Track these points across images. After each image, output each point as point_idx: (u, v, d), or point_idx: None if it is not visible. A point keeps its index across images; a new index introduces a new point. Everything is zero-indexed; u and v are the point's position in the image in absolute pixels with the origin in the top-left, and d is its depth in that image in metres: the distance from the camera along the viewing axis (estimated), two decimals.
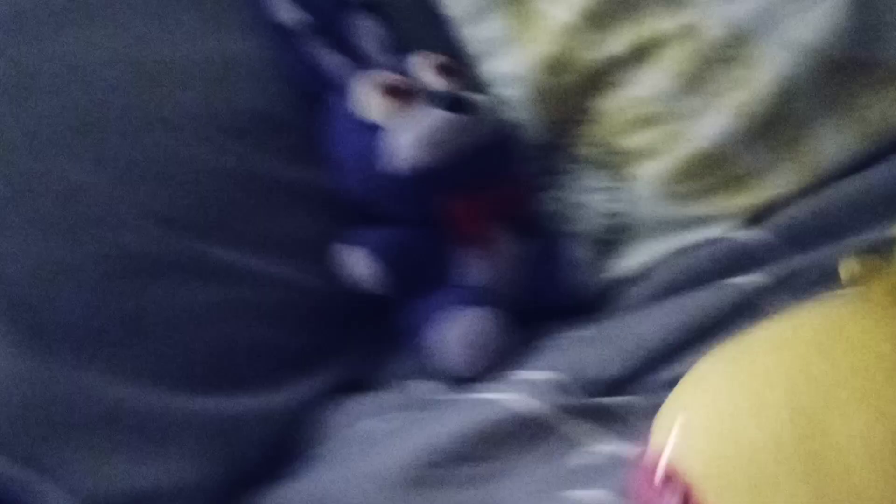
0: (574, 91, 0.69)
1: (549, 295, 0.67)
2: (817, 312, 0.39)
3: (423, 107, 0.62)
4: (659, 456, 0.36)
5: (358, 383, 0.67)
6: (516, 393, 0.54)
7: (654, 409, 0.52)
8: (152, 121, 0.63)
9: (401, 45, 0.69)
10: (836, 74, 0.68)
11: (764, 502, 0.34)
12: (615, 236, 0.69)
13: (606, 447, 0.51)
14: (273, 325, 0.64)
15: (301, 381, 0.64)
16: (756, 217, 0.67)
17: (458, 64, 0.67)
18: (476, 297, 0.62)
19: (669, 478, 0.36)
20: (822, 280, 0.58)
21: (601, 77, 0.69)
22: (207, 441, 0.58)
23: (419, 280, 0.64)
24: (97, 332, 0.58)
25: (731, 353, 0.39)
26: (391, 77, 0.63)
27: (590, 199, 0.70)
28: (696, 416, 0.37)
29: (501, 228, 0.66)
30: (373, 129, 0.63)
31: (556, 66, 0.69)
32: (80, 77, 0.62)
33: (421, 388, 0.62)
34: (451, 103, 0.61)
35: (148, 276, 0.61)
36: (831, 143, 0.68)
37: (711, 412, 0.36)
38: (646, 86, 0.69)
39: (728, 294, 0.60)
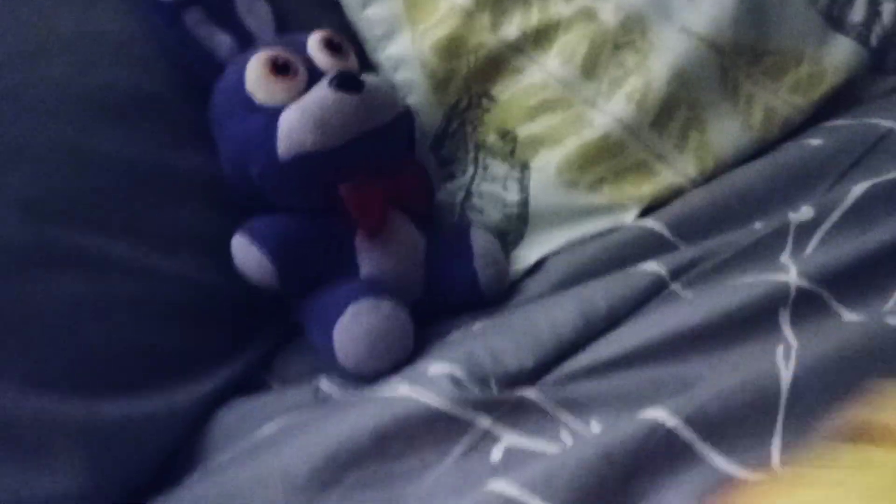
0: (471, 75, 0.68)
1: (451, 288, 0.64)
2: None
3: (311, 85, 0.59)
4: None
5: (258, 383, 0.63)
6: (421, 388, 0.51)
7: (562, 400, 0.52)
8: (13, 95, 0.57)
9: (291, 25, 0.66)
10: (728, 62, 0.69)
11: None
12: (515, 227, 0.68)
13: (514, 440, 0.50)
14: (163, 323, 0.60)
15: (194, 382, 0.61)
16: (652, 207, 0.67)
17: (348, 41, 0.64)
18: (374, 290, 0.59)
19: None
20: (716, 270, 0.59)
21: (499, 61, 0.68)
22: (95, 447, 0.54)
23: (312, 272, 0.60)
24: None
25: None
26: (277, 54, 0.60)
27: (490, 188, 0.68)
28: None
29: (400, 217, 0.63)
30: (259, 110, 0.59)
31: (451, 49, 0.67)
32: None
33: (325, 386, 0.59)
34: (341, 82, 0.57)
35: (16, 269, 0.56)
36: (724, 131, 0.69)
37: None
38: (544, 71, 0.68)
39: (633, 280, 0.59)
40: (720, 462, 0.45)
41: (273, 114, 0.58)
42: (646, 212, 0.67)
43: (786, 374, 0.48)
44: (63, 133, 0.59)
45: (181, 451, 0.58)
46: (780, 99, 0.70)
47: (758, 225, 0.62)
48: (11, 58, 0.59)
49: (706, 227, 0.63)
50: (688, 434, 0.46)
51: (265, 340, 0.65)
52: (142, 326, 0.60)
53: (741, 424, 0.46)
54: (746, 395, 0.48)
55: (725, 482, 0.45)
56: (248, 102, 0.59)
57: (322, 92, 0.58)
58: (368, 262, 0.61)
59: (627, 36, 0.67)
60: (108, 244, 0.59)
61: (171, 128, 0.63)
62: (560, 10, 0.68)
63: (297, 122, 0.57)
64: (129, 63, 0.62)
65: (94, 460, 0.54)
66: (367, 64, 0.69)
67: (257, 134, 0.59)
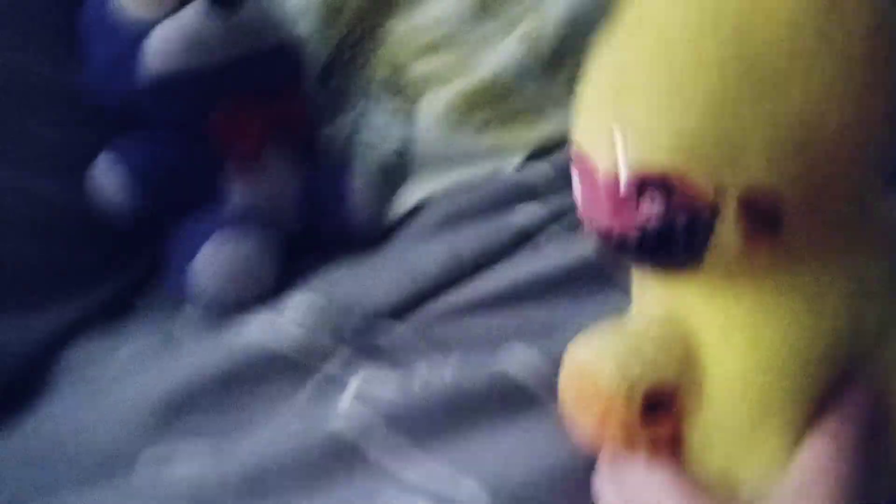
0: (362, 8, 0.66)
1: (324, 226, 0.63)
2: None
3: (185, 3, 0.56)
4: (612, 169, 0.32)
5: (116, 313, 0.61)
6: (275, 327, 0.50)
7: (427, 340, 0.51)
8: None
9: None
10: None
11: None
12: (399, 168, 0.66)
13: (366, 378, 0.48)
14: (33, 242, 0.58)
15: (41, 310, 0.58)
16: (540, 152, 0.66)
17: None
18: (239, 221, 0.57)
19: (638, 181, 0.32)
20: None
21: None
22: None
23: (175, 197, 0.58)
24: None
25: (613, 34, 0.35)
26: None
27: (376, 126, 0.66)
28: (632, 98, 0.32)
29: (275, 147, 0.61)
30: (129, 25, 0.56)
31: None
32: None
33: (182, 319, 0.57)
34: (215, 0, 0.55)
35: None
36: None
37: (641, 79, 0.32)
38: (435, 10, 0.66)
39: (504, 227, 0.58)
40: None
41: (144, 28, 0.55)
42: (531, 157, 0.66)
43: None
44: None
45: (16, 393, 0.54)
46: None
47: None
48: None
49: None
50: (533, 384, 0.45)
51: (137, 266, 0.63)
52: (7, 243, 0.56)
53: None
54: None
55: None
56: (115, 18, 0.57)
57: (194, 10, 0.55)
58: (238, 193, 0.59)
59: None
60: None
61: (44, 40, 0.60)
62: None
63: (167, 38, 0.55)
64: None
65: None
66: None
67: (126, 48, 0.56)
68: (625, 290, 0.51)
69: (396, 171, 0.66)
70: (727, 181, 0.31)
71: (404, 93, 0.66)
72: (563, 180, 0.63)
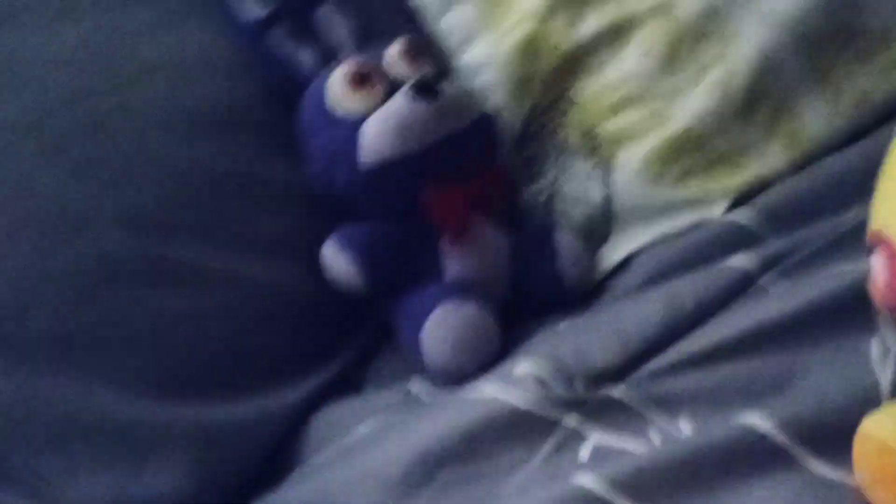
0: (550, 76, 0.68)
1: (536, 288, 0.64)
2: None
3: (390, 95, 0.60)
4: None
5: (351, 385, 0.65)
6: (508, 388, 0.52)
7: (649, 397, 0.51)
8: (114, 118, 0.61)
9: (371, 38, 0.68)
10: (815, 46, 0.66)
11: None
12: (601, 225, 0.67)
13: (602, 438, 0.49)
14: (256, 330, 0.63)
15: (291, 385, 0.63)
16: (742, 198, 0.65)
17: (427, 47, 0.65)
18: (460, 292, 0.60)
19: None
20: (807, 262, 0.57)
21: (577, 60, 0.68)
22: (194, 450, 0.57)
23: (399, 277, 0.62)
24: (73, 341, 0.57)
25: None
26: (357, 64, 0.62)
27: (574, 187, 0.68)
28: None
29: (484, 220, 0.64)
30: (343, 121, 0.61)
31: (530, 50, 0.68)
32: (32, 76, 0.61)
33: (416, 388, 0.60)
34: (420, 88, 0.59)
35: (123, 282, 0.59)
36: (814, 118, 0.67)
37: None
38: (623, 67, 0.67)
39: (720, 276, 0.58)
40: (818, 466, 0.44)
41: (355, 125, 0.60)
42: (734, 205, 0.65)
43: (885, 375, 0.47)
44: (162, 150, 0.62)
45: (279, 454, 0.60)
46: (872, 82, 0.67)
47: (852, 213, 0.60)
48: (115, 82, 0.63)
49: (797, 218, 0.61)
50: (782, 439, 0.44)
51: (358, 344, 0.67)
52: (240, 333, 0.62)
53: (839, 429, 0.44)
54: (845, 399, 0.46)
55: (824, 486, 0.43)
56: (330, 116, 0.62)
57: (400, 100, 0.59)
58: (454, 265, 0.62)
59: (707, 26, 0.66)
60: (207, 255, 0.62)
61: (263, 140, 0.65)
62: (635, 5, 0.67)
63: (377, 131, 0.59)
64: (221, 80, 0.65)
65: (194, 463, 0.57)
66: (446, 72, 0.70)
67: (340, 145, 0.61)
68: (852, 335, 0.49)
69: (598, 229, 0.67)
70: None
71: (599, 152, 0.68)
72: (770, 225, 0.62)
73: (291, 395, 0.62)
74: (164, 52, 0.64)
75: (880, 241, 0.35)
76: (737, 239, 0.61)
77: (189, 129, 0.63)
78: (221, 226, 0.63)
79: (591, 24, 0.67)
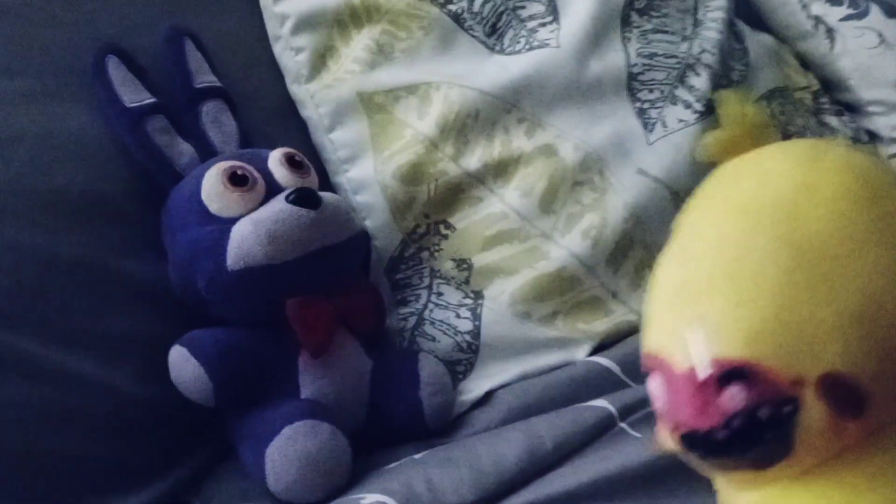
0: (430, 203, 0.68)
1: (395, 414, 0.62)
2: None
3: (267, 199, 0.58)
4: (692, 364, 0.34)
5: None
6: None
7: None
8: None
9: (255, 142, 0.67)
10: (684, 204, 0.69)
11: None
12: (465, 356, 0.66)
13: None
14: (92, 435, 0.58)
15: (120, 498, 0.58)
16: (605, 344, 0.66)
17: (308, 159, 0.64)
18: (314, 412, 0.56)
19: (718, 372, 0.33)
20: None
21: (459, 190, 0.68)
22: None
23: (251, 390, 0.58)
24: None
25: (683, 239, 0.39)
26: (235, 164, 0.60)
27: (443, 315, 0.67)
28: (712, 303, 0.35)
29: (348, 338, 0.61)
30: (212, 220, 0.58)
31: (412, 176, 0.68)
32: None
33: None
34: (297, 197, 0.57)
35: None
36: None
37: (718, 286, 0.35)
38: (501, 203, 0.68)
39: (582, 416, 0.57)
40: None
41: (226, 224, 0.58)
42: (598, 349, 0.66)
43: None
44: (10, 230, 0.58)
45: None
46: None
47: None
48: None
49: None
50: None
51: (195, 460, 0.62)
52: (70, 436, 0.57)
53: None
54: None
55: None
56: (202, 211, 0.59)
57: (278, 206, 0.57)
58: (310, 383, 0.59)
59: (586, 174, 0.68)
60: (45, 349, 0.57)
61: (122, 233, 0.62)
62: (521, 144, 0.69)
63: (249, 234, 0.57)
64: (87, 165, 0.62)
65: None
66: (326, 185, 0.70)
67: (208, 243, 0.58)
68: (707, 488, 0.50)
69: (461, 361, 0.66)
70: (806, 367, 0.33)
71: (468, 283, 0.68)
72: (634, 371, 0.63)
73: None
74: (30, 126, 0.61)
75: (657, 363, 0.35)
76: (601, 381, 0.62)
77: (41, 211, 0.59)
78: (62, 319, 0.58)
79: (477, 156, 0.68)
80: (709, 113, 0.72)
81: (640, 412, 0.57)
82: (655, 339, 0.36)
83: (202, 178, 0.59)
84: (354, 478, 0.57)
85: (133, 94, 0.62)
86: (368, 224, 0.68)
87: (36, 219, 0.59)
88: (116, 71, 0.62)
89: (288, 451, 0.54)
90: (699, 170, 0.69)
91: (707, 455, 0.35)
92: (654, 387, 0.37)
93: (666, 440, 0.37)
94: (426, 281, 0.68)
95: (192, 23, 0.68)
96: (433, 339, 0.67)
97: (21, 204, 0.58)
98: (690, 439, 0.35)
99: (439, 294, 0.68)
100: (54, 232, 0.59)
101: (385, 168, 0.68)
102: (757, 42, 0.79)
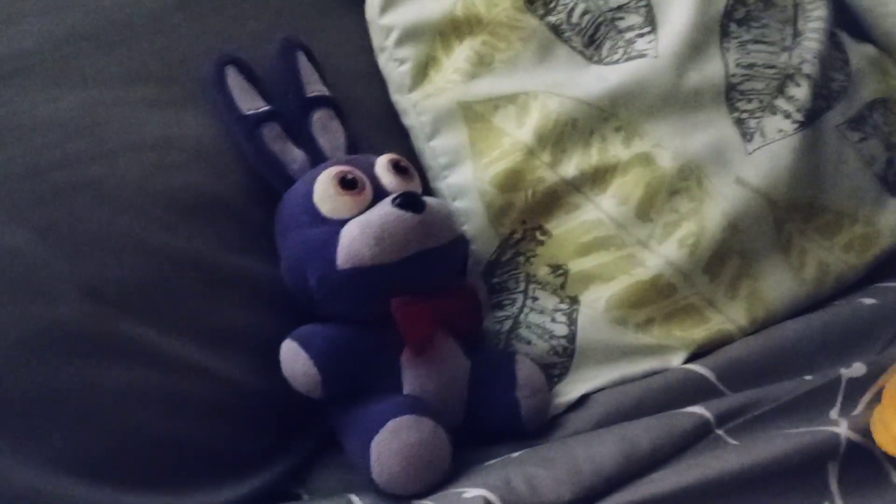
0: (526, 209, 0.70)
1: (492, 414, 0.63)
2: None
3: (374, 203, 0.61)
4: None
5: (290, 495, 0.63)
6: None
7: None
8: (89, 188, 0.61)
9: (362, 148, 0.69)
10: (782, 215, 0.70)
11: None
12: (560, 360, 0.67)
13: None
14: (200, 421, 0.61)
15: (227, 487, 0.61)
16: (700, 352, 0.67)
17: (413, 165, 0.66)
18: (417, 408, 0.59)
19: None
20: (763, 419, 0.58)
21: (556, 197, 0.70)
22: None
23: (356, 384, 0.61)
24: (7, 404, 0.55)
25: None
26: (345, 169, 0.62)
27: (539, 319, 0.68)
28: None
29: (448, 338, 0.63)
30: (323, 222, 0.61)
31: (510, 182, 0.69)
32: (21, 135, 0.61)
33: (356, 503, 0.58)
34: (403, 201, 0.59)
35: (70, 350, 0.58)
36: (776, 283, 0.69)
37: None
38: (598, 210, 0.69)
39: (678, 422, 0.58)
40: None
41: (336, 226, 0.61)
42: (693, 357, 0.67)
43: None
44: (136, 226, 0.61)
45: None
46: (834, 256, 0.70)
47: (807, 378, 0.61)
48: (95, 154, 0.63)
49: (754, 377, 0.62)
50: None
51: (300, 452, 0.65)
52: (180, 423, 0.60)
53: None
54: None
55: None
56: (313, 213, 0.62)
57: (385, 209, 0.60)
58: (412, 380, 0.61)
59: (683, 182, 0.69)
60: (161, 337, 0.60)
61: (238, 232, 0.65)
62: (618, 153, 0.70)
63: (357, 235, 0.59)
64: (206, 167, 0.65)
65: None
66: (427, 190, 0.72)
67: (319, 243, 0.61)
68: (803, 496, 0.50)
69: (556, 365, 0.67)
70: None
71: (564, 289, 0.69)
72: (727, 380, 0.63)
73: (222, 497, 0.60)
74: (154, 131, 0.65)
75: None
76: (696, 389, 0.62)
77: (164, 210, 0.63)
78: (179, 311, 0.62)
79: (574, 164, 0.70)
80: (808, 123, 0.72)
81: (737, 420, 0.58)
82: None
83: (314, 182, 0.62)
84: (454, 473, 0.58)
85: (250, 102, 0.66)
86: (466, 229, 0.70)
87: (158, 216, 0.62)
88: (234, 80, 0.66)
89: (392, 443, 0.57)
90: (798, 179, 0.70)
91: None
92: None
93: None
94: (522, 285, 0.70)
95: (303, 36, 0.71)
96: (528, 343, 0.68)
97: (145, 202, 0.62)
98: None
99: (535, 299, 0.69)
100: (174, 229, 0.63)
101: (483, 175, 0.70)
102: (858, 52, 0.78)
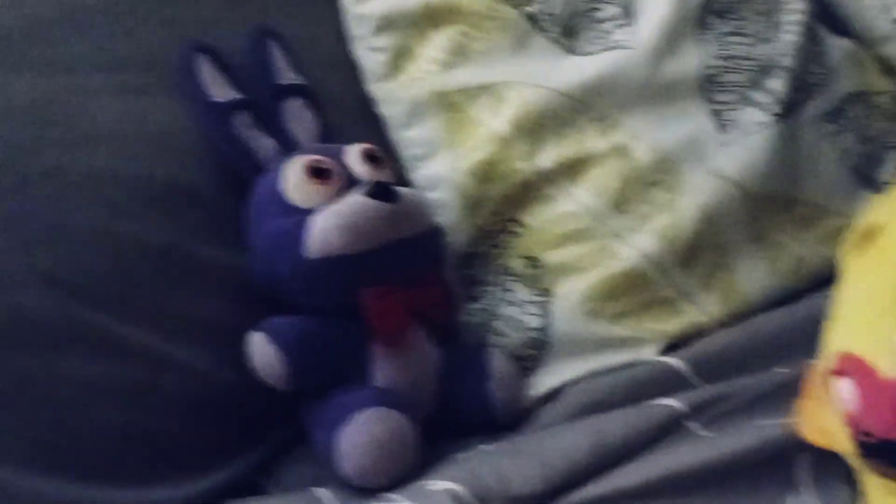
0: (501, 201, 0.69)
1: (463, 406, 0.63)
2: None
3: (345, 192, 0.60)
4: None
5: (256, 487, 0.62)
6: None
7: None
8: (49, 178, 0.60)
9: (334, 138, 0.69)
10: (758, 207, 0.69)
11: None
12: (534, 352, 0.67)
13: None
14: (169, 413, 0.60)
15: (194, 479, 0.60)
16: (674, 344, 0.67)
17: (386, 154, 0.66)
18: (386, 399, 0.58)
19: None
20: (735, 412, 0.57)
21: (531, 188, 0.69)
22: None
23: (325, 376, 0.60)
24: None
25: None
26: (316, 158, 0.62)
27: (512, 311, 0.68)
28: None
29: (419, 330, 0.63)
30: (293, 211, 0.60)
31: (486, 173, 0.69)
32: None
33: (322, 496, 0.57)
34: (375, 191, 0.59)
35: (33, 342, 0.57)
36: (751, 275, 0.69)
37: None
38: (573, 202, 0.69)
39: (650, 414, 0.58)
40: None
41: (306, 215, 0.60)
42: (667, 349, 0.66)
43: None
44: (99, 216, 0.61)
45: None
46: (809, 248, 0.70)
47: (778, 371, 0.61)
48: (56, 142, 0.62)
49: (727, 369, 0.62)
50: None
51: (268, 445, 0.64)
52: (148, 414, 0.60)
53: None
54: None
55: None
56: (283, 202, 0.61)
57: (357, 198, 0.59)
58: (382, 371, 0.61)
59: (659, 174, 0.69)
60: (128, 328, 0.60)
61: (205, 221, 0.64)
62: (595, 144, 0.69)
63: (328, 225, 0.59)
64: (172, 155, 0.64)
65: None
66: (402, 181, 0.71)
67: (289, 232, 0.60)
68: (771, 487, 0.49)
69: (529, 357, 0.67)
70: None
71: (538, 281, 0.68)
72: (700, 373, 0.63)
73: (189, 488, 0.59)
74: (117, 119, 0.64)
75: (853, 366, 0.35)
76: (668, 381, 0.62)
77: (128, 199, 0.62)
78: (143, 300, 0.61)
79: (550, 154, 0.69)
80: (785, 115, 0.71)
81: (709, 412, 0.57)
82: (856, 341, 0.36)
83: (284, 171, 0.62)
84: (424, 465, 0.58)
85: (220, 91, 0.65)
86: (441, 220, 0.69)
87: (124, 205, 0.62)
88: (205, 68, 0.65)
89: (359, 436, 0.56)
90: (774, 172, 0.70)
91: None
92: (845, 388, 0.36)
93: (818, 436, 0.36)
94: (496, 278, 0.69)
95: (276, 24, 0.70)
96: (502, 335, 0.68)
97: (111, 191, 0.61)
98: (881, 447, 0.35)
99: (509, 291, 0.69)
100: (138, 218, 0.62)
101: (458, 165, 0.70)
102: (836, 46, 0.78)
